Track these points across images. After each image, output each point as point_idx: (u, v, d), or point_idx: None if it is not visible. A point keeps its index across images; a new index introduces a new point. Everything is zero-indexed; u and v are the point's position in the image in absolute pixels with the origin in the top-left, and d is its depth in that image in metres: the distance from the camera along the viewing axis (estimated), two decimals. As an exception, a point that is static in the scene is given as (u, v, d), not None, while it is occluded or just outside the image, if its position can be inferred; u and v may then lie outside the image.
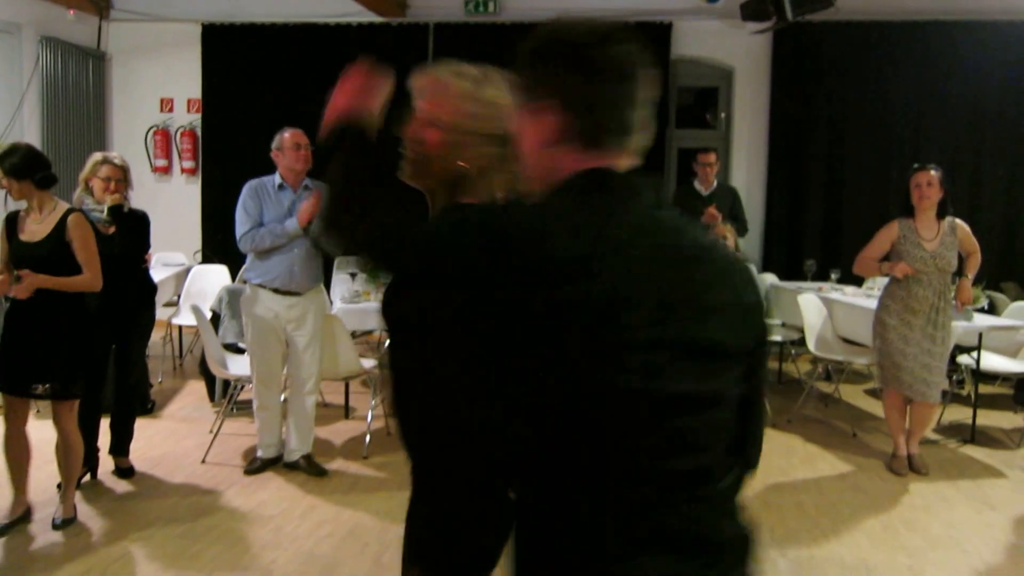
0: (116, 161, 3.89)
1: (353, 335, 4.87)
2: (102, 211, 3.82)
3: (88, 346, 3.53)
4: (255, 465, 4.24)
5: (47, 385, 3.40)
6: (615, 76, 1.13)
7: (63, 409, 3.48)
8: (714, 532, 1.09)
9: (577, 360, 0.98)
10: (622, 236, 1.02)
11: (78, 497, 3.81)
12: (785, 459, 4.61)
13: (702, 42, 7.12)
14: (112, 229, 3.84)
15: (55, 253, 3.32)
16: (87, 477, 4.02)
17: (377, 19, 7.27)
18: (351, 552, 3.36)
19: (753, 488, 4.13)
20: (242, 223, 4.01)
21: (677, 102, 7.42)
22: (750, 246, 6.60)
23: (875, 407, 5.58)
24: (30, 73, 7.08)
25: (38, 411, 4.45)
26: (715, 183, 6.17)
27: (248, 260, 4.15)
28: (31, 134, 7.14)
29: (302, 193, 4.06)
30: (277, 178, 4.07)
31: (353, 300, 5.10)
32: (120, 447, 4.15)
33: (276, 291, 4.07)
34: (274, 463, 4.28)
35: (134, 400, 4.27)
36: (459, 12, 7.26)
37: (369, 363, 4.81)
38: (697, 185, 6.16)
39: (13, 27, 6.89)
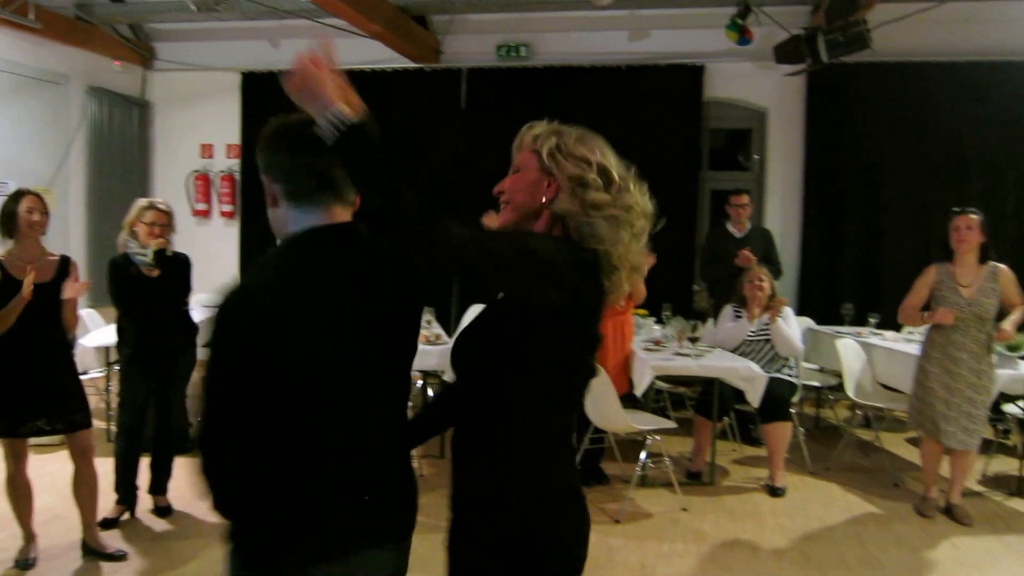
0: (161, 207, 3.99)
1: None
2: (146, 255, 3.91)
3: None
4: None
5: (48, 420, 3.46)
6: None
7: (73, 441, 3.55)
8: None
9: None
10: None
11: (116, 534, 3.85)
12: (824, 509, 4.50)
13: (735, 83, 7.16)
14: (156, 272, 3.93)
15: None
16: (126, 515, 4.05)
17: (412, 65, 7.44)
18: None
19: (790, 537, 4.05)
20: None
21: (710, 144, 7.43)
22: (785, 289, 6.54)
23: (917, 456, 5.42)
24: (77, 121, 7.32)
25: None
26: (749, 225, 6.15)
27: None
28: (77, 180, 7.36)
29: None
30: None
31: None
32: (159, 486, 4.18)
33: None
34: None
35: (174, 440, 4.30)
36: (491, 57, 7.40)
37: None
38: (730, 227, 6.15)
39: (62, 78, 7.15)
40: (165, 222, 3.97)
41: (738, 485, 4.92)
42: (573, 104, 6.99)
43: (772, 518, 4.35)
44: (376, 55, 7.32)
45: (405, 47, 7.10)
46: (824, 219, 7.06)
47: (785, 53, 6.44)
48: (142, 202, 4.02)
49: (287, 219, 1.58)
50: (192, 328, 4.31)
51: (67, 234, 7.13)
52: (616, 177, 1.62)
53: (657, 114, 7.05)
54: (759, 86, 7.15)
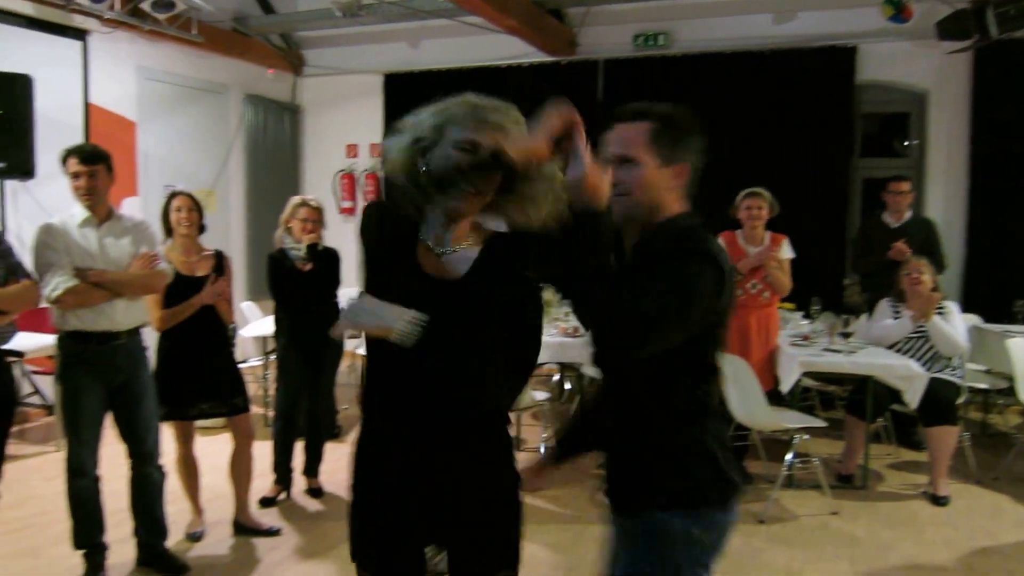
0: (312, 203, 4.19)
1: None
2: (300, 250, 4.12)
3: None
4: None
5: (212, 404, 3.70)
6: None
7: (234, 424, 3.79)
8: None
9: None
10: None
11: (274, 513, 4.10)
12: (992, 521, 4.15)
13: (890, 65, 6.70)
14: (309, 266, 4.14)
15: None
16: (283, 495, 4.30)
17: (547, 58, 7.45)
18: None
19: (957, 552, 3.75)
20: None
21: (862, 130, 7.00)
22: (950, 284, 6.05)
23: (1105, 463, 4.91)
24: (236, 127, 7.83)
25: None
26: (908, 215, 5.74)
27: None
28: (236, 182, 7.88)
29: None
30: None
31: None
32: (311, 468, 4.41)
33: None
34: None
35: (324, 425, 4.53)
36: (628, 47, 7.29)
37: (541, 395, 4.84)
38: (886, 217, 5.75)
39: (222, 87, 7.67)
40: (316, 218, 4.17)
41: (894, 491, 4.61)
42: (715, 93, 6.78)
43: (933, 528, 4.05)
44: (511, 50, 7.39)
45: (540, 41, 7.12)
46: (992, 208, 6.48)
47: (949, 29, 5.97)
48: (295, 200, 4.23)
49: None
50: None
51: (228, 232, 7.65)
52: None
53: (805, 100, 6.72)
54: (918, 67, 6.66)
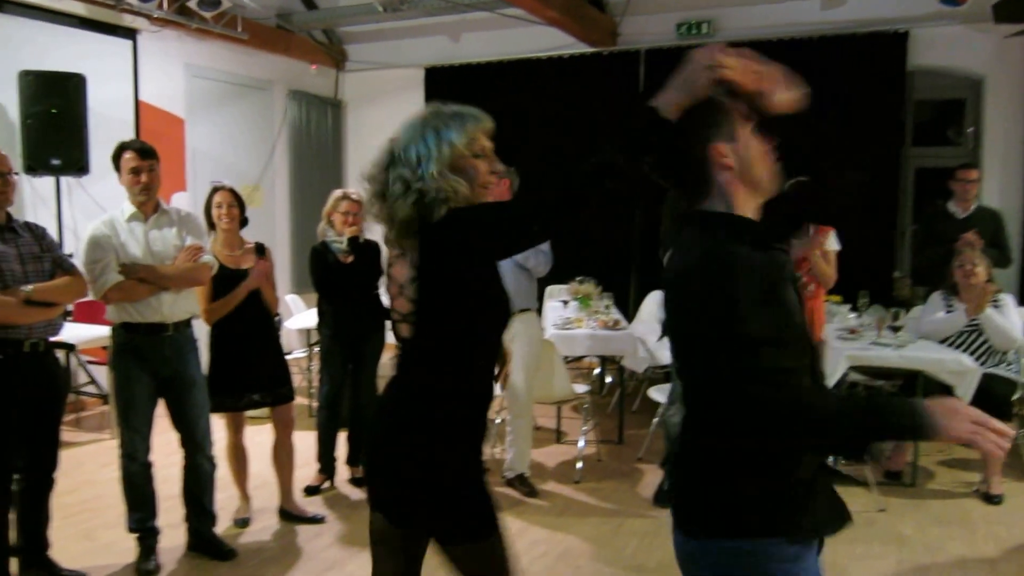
0: (354, 196, 4.24)
1: (565, 360, 4.92)
2: (342, 242, 4.17)
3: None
4: None
5: (261, 394, 3.78)
6: None
7: (277, 413, 3.87)
8: None
9: None
10: None
11: (318, 501, 4.17)
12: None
13: (944, 50, 6.50)
14: (351, 258, 4.19)
15: None
16: (327, 484, 4.37)
17: (588, 49, 7.41)
18: (563, 573, 3.37)
19: (1006, 549, 3.65)
20: None
21: (914, 118, 6.82)
22: (1005, 276, 5.85)
23: None
24: (280, 123, 7.95)
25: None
26: (974, 205, 5.53)
27: None
28: (281, 176, 8.00)
29: None
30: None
31: (565, 326, 5.16)
32: (354, 458, 4.48)
33: None
34: None
35: (366, 415, 4.57)
36: (671, 36, 7.20)
37: (581, 388, 4.83)
38: (952, 206, 5.53)
39: (266, 84, 7.79)
40: (358, 211, 4.22)
41: (944, 488, 4.50)
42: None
43: (985, 526, 3.95)
44: (553, 42, 7.37)
45: (582, 32, 7.08)
46: (1050, 197, 6.27)
47: (1005, 12, 5.77)
48: (337, 193, 4.28)
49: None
50: (381, 310, 4.53)
51: (273, 226, 7.78)
52: None
53: (854, 88, 6.55)
54: (973, 51, 6.45)
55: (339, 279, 4.20)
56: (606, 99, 7.27)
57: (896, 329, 4.64)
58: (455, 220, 1.78)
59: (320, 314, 4.40)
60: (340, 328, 4.29)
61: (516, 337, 4.19)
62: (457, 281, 1.81)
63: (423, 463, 1.83)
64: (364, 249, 4.26)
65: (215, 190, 3.75)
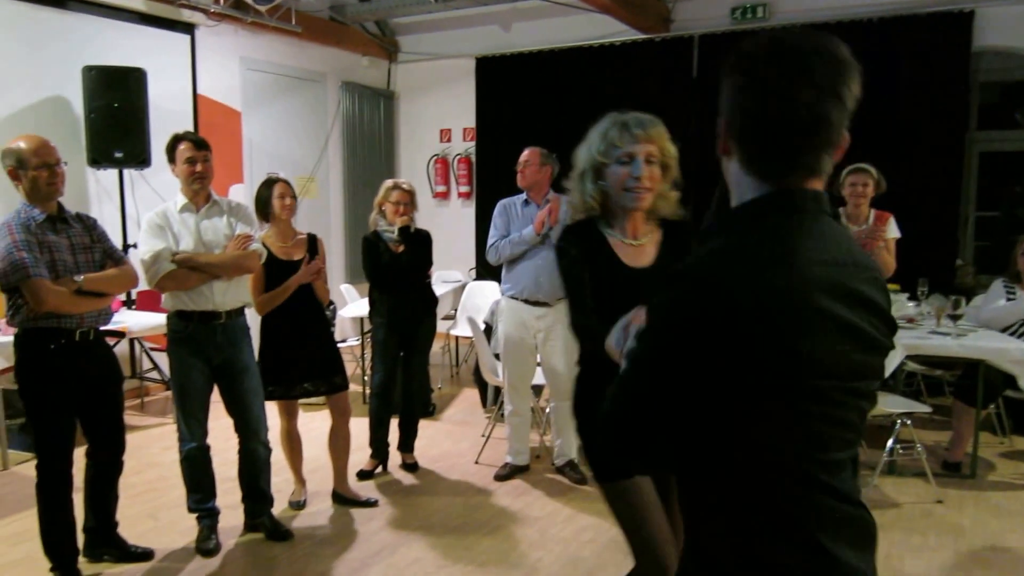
0: (405, 186, 4.29)
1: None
2: (393, 231, 4.23)
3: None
4: (504, 471, 4.42)
5: (314, 383, 3.85)
6: None
7: (332, 402, 3.94)
8: None
9: None
10: None
11: (371, 485, 4.25)
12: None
13: (1012, 30, 6.23)
14: (401, 248, 4.24)
15: None
16: (379, 469, 4.45)
17: (640, 36, 7.33)
18: (613, 559, 3.37)
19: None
20: (490, 237, 4.28)
21: (979, 100, 6.58)
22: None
23: None
24: (333, 114, 8.07)
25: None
26: None
27: (503, 273, 4.36)
28: (335, 168, 8.13)
29: (544, 207, 4.21)
30: (524, 195, 4.26)
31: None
32: (406, 444, 4.55)
33: (525, 301, 4.22)
34: (522, 470, 4.45)
35: (418, 402, 4.65)
36: (725, 21, 7.08)
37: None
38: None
39: (320, 76, 7.91)
40: (409, 200, 4.27)
41: (1006, 481, 4.37)
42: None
43: (1049, 520, 3.83)
44: (604, 29, 7.32)
45: (634, 18, 7.01)
46: None
47: (1076, -13, 5.53)
48: (388, 183, 4.33)
49: None
50: (432, 299, 4.58)
51: (328, 217, 7.91)
52: None
53: (916, 70, 6.34)
54: (1042, 30, 6.20)
55: (390, 268, 4.26)
56: (659, 86, 7.20)
57: (956, 318, 4.50)
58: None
59: (371, 303, 4.47)
60: (392, 316, 4.34)
61: (557, 324, 4.22)
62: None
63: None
64: (415, 238, 4.31)
65: (273, 182, 3.80)
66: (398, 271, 4.27)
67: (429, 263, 4.46)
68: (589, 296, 2.18)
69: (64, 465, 3.07)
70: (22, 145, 2.96)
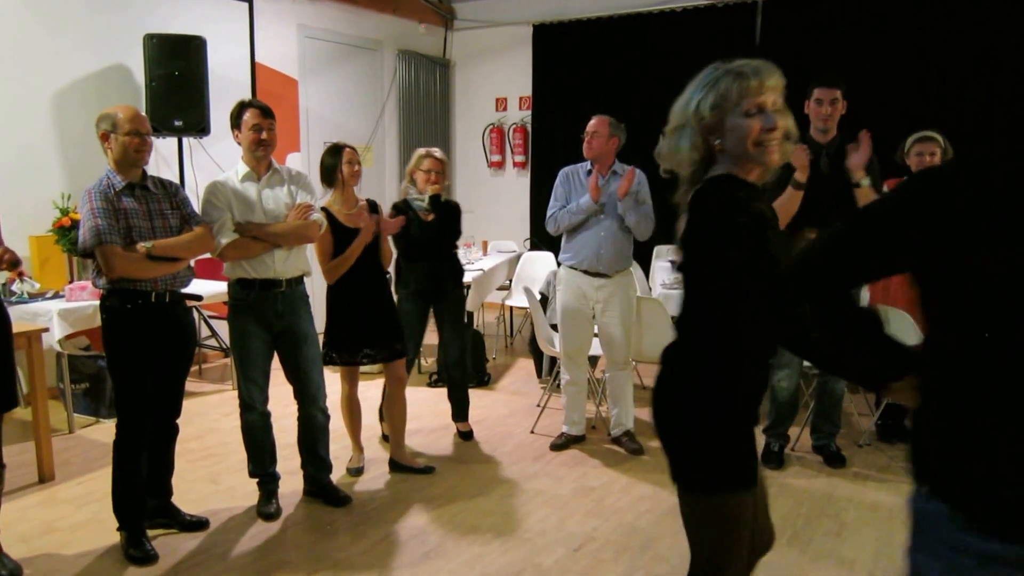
0: (437, 155, 4.21)
1: (673, 320, 4.79)
2: (423, 200, 4.17)
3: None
4: (560, 440, 4.38)
5: (376, 349, 3.83)
6: None
7: (390, 369, 3.92)
8: None
9: None
10: None
11: (428, 454, 4.25)
12: None
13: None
14: (431, 216, 4.17)
15: None
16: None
17: (702, 2, 7.11)
18: (670, 530, 3.31)
19: None
20: (551, 206, 4.18)
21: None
22: None
23: None
24: (389, 82, 8.04)
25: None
26: None
27: (562, 243, 4.26)
28: (391, 136, 8.11)
29: (611, 178, 4.08)
30: (588, 164, 4.14)
31: (674, 286, 5.04)
32: (459, 414, 4.53)
33: (585, 272, 4.13)
34: (578, 440, 4.40)
35: (464, 372, 4.57)
36: (791, -15, 6.81)
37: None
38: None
39: (376, 44, 7.87)
40: (440, 169, 4.18)
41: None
42: (887, 31, 6.22)
43: None
44: (665, -7, 7.11)
45: (695, -18, 6.79)
46: None
47: None
48: (420, 151, 4.26)
49: None
50: (459, 270, 4.48)
51: (384, 186, 7.91)
52: None
53: (991, 34, 6.02)
54: None
55: (419, 237, 4.18)
56: (721, 54, 6.91)
57: None
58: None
59: (397, 273, 4.38)
60: (419, 286, 4.28)
61: (616, 294, 4.13)
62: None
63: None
64: (445, 208, 4.23)
65: (340, 148, 3.74)
66: (427, 240, 4.20)
67: (458, 233, 4.37)
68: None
69: (142, 424, 3.12)
70: (118, 112, 3.02)
